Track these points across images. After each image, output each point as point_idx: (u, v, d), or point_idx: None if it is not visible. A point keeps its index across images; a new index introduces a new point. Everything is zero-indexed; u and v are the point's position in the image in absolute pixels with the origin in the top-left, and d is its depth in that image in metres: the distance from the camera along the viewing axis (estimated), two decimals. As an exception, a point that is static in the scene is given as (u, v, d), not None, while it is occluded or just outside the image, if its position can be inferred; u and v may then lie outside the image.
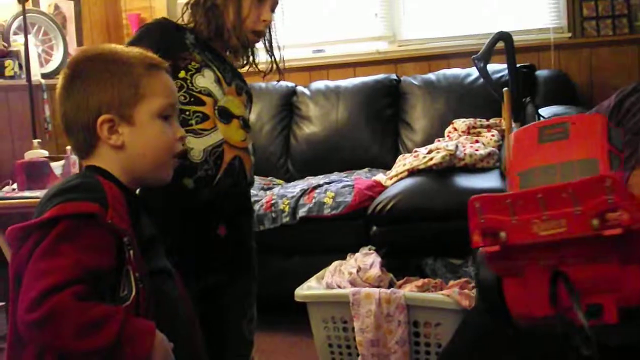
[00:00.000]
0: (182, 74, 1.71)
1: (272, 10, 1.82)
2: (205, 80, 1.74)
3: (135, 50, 1.34)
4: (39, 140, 3.36)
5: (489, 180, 2.97)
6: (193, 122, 1.70)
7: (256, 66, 1.93)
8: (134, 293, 1.14)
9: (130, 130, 1.27)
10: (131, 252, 1.16)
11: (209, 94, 1.74)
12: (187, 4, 1.83)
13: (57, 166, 3.12)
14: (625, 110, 1.47)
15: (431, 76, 3.80)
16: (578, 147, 1.01)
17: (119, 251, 1.15)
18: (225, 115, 1.75)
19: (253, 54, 1.91)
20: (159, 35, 1.74)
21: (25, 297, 1.07)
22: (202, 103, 1.72)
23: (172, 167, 1.34)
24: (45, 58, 3.78)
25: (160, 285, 1.23)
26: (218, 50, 1.82)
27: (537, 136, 0.99)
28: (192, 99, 1.71)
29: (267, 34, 1.88)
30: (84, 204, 1.14)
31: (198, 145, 1.70)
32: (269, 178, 3.79)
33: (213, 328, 1.74)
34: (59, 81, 1.31)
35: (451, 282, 2.69)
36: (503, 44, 2.39)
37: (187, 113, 1.70)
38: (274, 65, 1.93)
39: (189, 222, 1.72)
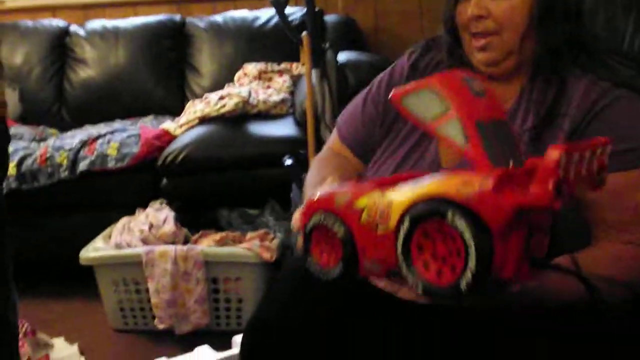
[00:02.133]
0: None
1: None
2: None
3: None
4: None
5: (284, 127, 2.89)
6: None
7: None
8: None
9: None
10: None
11: None
12: None
13: None
14: (421, 73, 1.41)
15: (217, 18, 3.60)
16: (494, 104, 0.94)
17: None
18: None
19: None
20: None
21: None
22: None
23: None
24: None
25: None
26: None
27: (468, 87, 0.90)
28: None
29: None
30: None
31: None
32: (41, 127, 3.41)
33: None
34: None
35: (250, 234, 2.60)
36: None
37: None
38: None
39: None
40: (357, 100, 1.50)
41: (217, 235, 2.58)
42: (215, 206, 2.81)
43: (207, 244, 2.52)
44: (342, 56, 2.93)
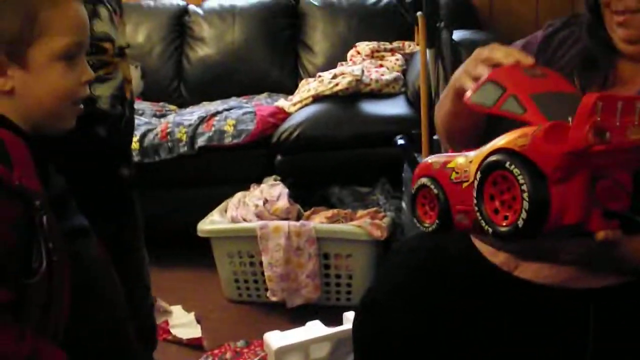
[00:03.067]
0: None
1: None
2: (103, 23, 1.50)
3: None
4: None
5: (396, 106, 2.90)
6: (97, 70, 1.50)
7: None
8: (44, 265, 0.96)
9: (23, 73, 1.03)
10: (44, 217, 0.96)
11: (109, 38, 1.51)
12: None
13: None
14: (556, 47, 1.39)
15: (331, -4, 3.64)
16: (558, 82, 1.05)
17: (29, 218, 0.95)
18: (120, 52, 1.56)
19: None
20: None
21: None
22: (104, 51, 1.50)
23: (76, 115, 1.12)
24: None
25: (76, 247, 1.05)
26: None
27: (522, 72, 1.01)
28: (92, 50, 1.48)
29: None
30: None
31: (104, 92, 1.51)
32: (161, 104, 3.56)
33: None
34: None
35: (360, 212, 2.63)
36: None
37: (91, 63, 1.49)
38: None
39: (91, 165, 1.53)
40: None
41: (329, 212, 2.63)
42: (327, 183, 2.85)
43: (318, 221, 2.57)
44: (456, 35, 2.90)
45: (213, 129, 2.93)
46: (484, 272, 1.30)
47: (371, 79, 3.02)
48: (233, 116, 2.97)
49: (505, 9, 3.65)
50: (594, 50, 1.30)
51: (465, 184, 1.01)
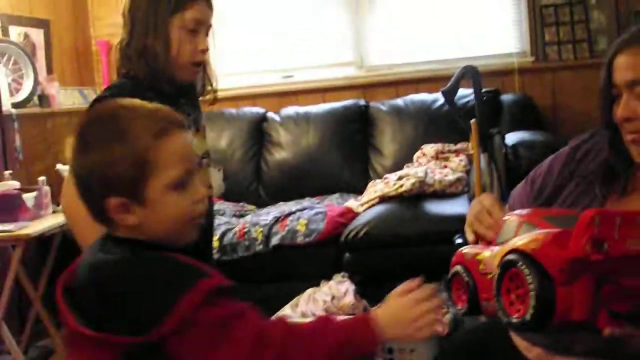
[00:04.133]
0: None
1: (207, 35, 1.79)
2: None
3: (142, 110, 1.17)
4: (10, 171, 3.35)
5: (458, 206, 3.03)
6: None
7: (215, 93, 1.91)
8: None
9: (143, 208, 1.13)
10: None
11: None
12: (118, 47, 1.79)
13: (29, 198, 3.11)
14: (581, 158, 1.52)
15: (399, 101, 3.86)
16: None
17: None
18: (199, 162, 1.76)
19: (209, 80, 1.89)
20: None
21: None
22: None
23: (197, 228, 1.21)
24: (15, 87, 3.76)
25: None
26: (175, 90, 1.79)
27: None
28: None
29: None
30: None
31: None
32: (241, 204, 3.81)
33: None
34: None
35: (424, 308, 2.73)
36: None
37: None
38: (210, 87, 1.91)
39: None
40: (526, 179, 1.65)
41: (393, 308, 2.75)
42: (394, 280, 2.96)
43: (384, 316, 2.70)
44: (517, 135, 3.05)
45: (287, 228, 3.14)
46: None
47: (435, 180, 3.18)
48: (305, 216, 3.18)
49: (568, 108, 3.77)
50: (613, 162, 1.43)
51: (489, 276, 1.17)
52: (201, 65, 1.82)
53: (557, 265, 1.02)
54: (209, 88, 1.90)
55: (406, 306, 1.17)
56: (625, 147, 1.41)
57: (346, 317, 1.20)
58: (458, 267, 1.27)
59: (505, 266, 1.08)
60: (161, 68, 1.73)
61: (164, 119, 1.16)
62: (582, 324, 1.07)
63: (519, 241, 1.09)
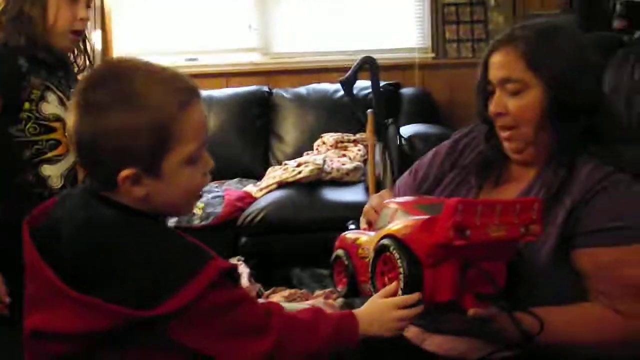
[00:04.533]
0: (26, 105, 1.69)
1: (88, 6, 1.77)
2: (51, 105, 1.71)
3: (165, 74, 1.06)
4: None
5: (354, 194, 3.09)
6: (47, 150, 1.70)
7: (92, 64, 1.88)
8: None
9: (156, 181, 1.04)
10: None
11: (58, 119, 1.72)
12: None
13: None
14: (460, 151, 1.60)
15: (302, 90, 3.89)
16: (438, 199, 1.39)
17: None
18: None
19: (88, 56, 1.86)
20: None
21: None
22: (53, 130, 1.71)
23: (196, 202, 1.18)
24: None
25: None
26: (54, 59, 1.76)
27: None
28: (42, 129, 1.70)
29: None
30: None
31: (55, 172, 1.70)
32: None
33: None
34: (76, 92, 1.06)
35: (317, 292, 2.78)
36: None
37: (41, 143, 1.69)
38: (88, 62, 1.87)
39: None
40: (410, 169, 1.71)
41: (287, 292, 2.78)
42: (288, 265, 3.02)
43: (277, 300, 2.73)
44: (414, 128, 3.13)
45: (184, 211, 3.11)
46: (397, 345, 1.46)
47: (332, 168, 3.23)
48: (202, 200, 3.16)
49: (464, 104, 3.88)
50: (489, 155, 1.51)
51: (366, 259, 1.22)
52: (80, 35, 1.79)
53: (424, 250, 1.09)
54: (88, 64, 1.86)
55: (385, 309, 1.13)
56: (499, 141, 1.48)
57: (332, 311, 1.24)
58: (339, 251, 1.34)
59: (379, 250, 1.15)
60: (38, 34, 1.70)
61: (186, 86, 1.07)
62: (452, 306, 1.14)
63: (394, 227, 1.16)
